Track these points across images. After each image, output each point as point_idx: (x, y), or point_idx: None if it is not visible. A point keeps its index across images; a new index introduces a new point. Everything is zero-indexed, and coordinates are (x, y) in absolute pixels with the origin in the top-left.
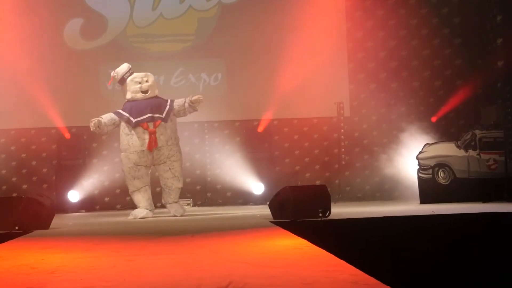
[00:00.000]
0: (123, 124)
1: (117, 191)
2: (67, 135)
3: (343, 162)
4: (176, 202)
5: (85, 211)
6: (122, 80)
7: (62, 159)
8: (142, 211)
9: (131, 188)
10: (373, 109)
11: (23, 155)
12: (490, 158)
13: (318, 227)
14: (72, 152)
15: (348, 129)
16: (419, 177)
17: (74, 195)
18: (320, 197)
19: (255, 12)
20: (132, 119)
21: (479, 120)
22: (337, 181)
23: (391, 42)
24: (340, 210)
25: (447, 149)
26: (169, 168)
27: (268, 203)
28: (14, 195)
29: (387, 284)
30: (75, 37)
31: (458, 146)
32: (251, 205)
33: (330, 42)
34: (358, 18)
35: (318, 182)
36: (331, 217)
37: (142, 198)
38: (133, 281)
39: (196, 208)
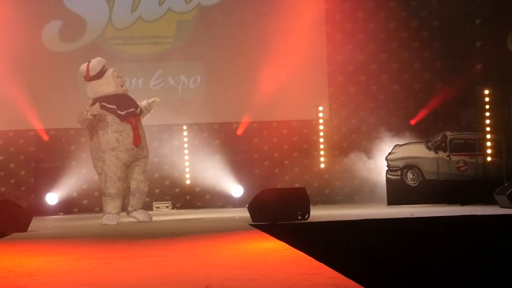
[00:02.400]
0: (109, 121)
1: (96, 193)
2: (46, 138)
3: (322, 165)
4: (141, 208)
5: (64, 214)
6: (101, 73)
7: (41, 162)
8: (114, 219)
9: (112, 191)
10: (352, 112)
11: (1, 157)
12: (460, 160)
13: (297, 230)
14: (51, 154)
15: (328, 132)
16: (387, 178)
17: (52, 198)
18: (299, 200)
19: (234, 15)
20: (120, 112)
21: (458, 123)
22: (316, 184)
23: (371, 45)
24: (319, 213)
25: (417, 151)
26: (143, 171)
27: (247, 205)
28: None
29: (365, 286)
30: (54, 39)
31: (428, 148)
32: (230, 207)
33: (310, 44)
34: (337, 21)
35: (297, 185)
36: (310, 220)
37: (118, 205)
38: (111, 284)
39: (175, 211)
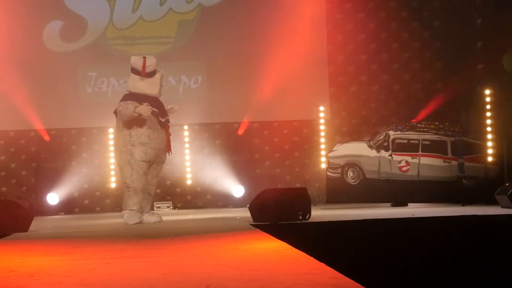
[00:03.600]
0: (147, 117)
1: (97, 193)
2: (47, 138)
3: (323, 165)
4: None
5: (64, 214)
6: (153, 73)
7: (41, 162)
8: (135, 218)
9: (137, 184)
10: (353, 112)
11: (2, 158)
12: (402, 160)
13: (298, 230)
14: (52, 154)
15: (329, 132)
16: (327, 176)
17: (53, 198)
18: (300, 200)
19: (235, 14)
20: (161, 118)
21: (459, 123)
22: (317, 184)
23: (372, 45)
24: (320, 213)
25: (359, 149)
26: (157, 175)
27: (248, 205)
28: None
29: (366, 287)
30: (55, 39)
31: (370, 146)
32: (231, 207)
33: (311, 44)
34: (338, 21)
35: (298, 185)
36: (311, 220)
37: (140, 200)
38: (112, 284)
39: (176, 211)
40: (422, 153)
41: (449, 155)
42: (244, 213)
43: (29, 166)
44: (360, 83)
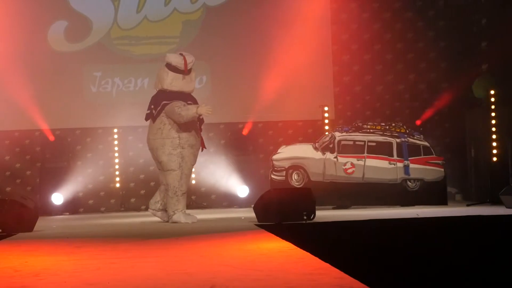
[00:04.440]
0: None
1: (101, 193)
2: (51, 138)
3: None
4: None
5: (69, 214)
6: (190, 70)
7: (46, 162)
8: (193, 217)
9: (184, 188)
10: (358, 112)
11: (7, 158)
12: (347, 162)
13: (303, 230)
14: (56, 154)
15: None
16: (271, 179)
17: (58, 198)
18: (305, 200)
19: (240, 14)
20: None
21: (464, 123)
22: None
23: (376, 45)
24: (324, 213)
25: (303, 151)
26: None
27: (252, 206)
28: None
29: (371, 287)
30: (59, 39)
31: (315, 148)
32: (235, 207)
33: (315, 44)
34: (343, 21)
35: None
36: (315, 220)
37: (185, 203)
38: (116, 283)
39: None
40: (368, 154)
41: (395, 157)
42: (249, 213)
43: (34, 166)
44: (365, 83)
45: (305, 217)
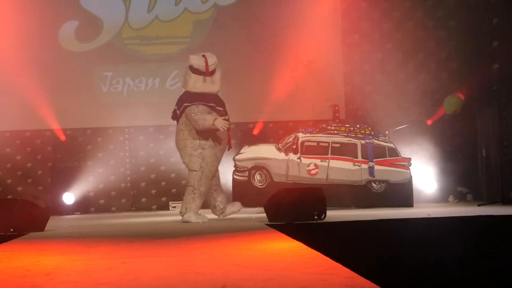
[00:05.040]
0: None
1: (112, 193)
2: (63, 137)
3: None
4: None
5: (80, 213)
6: (214, 71)
7: (57, 161)
8: (204, 217)
9: (203, 189)
10: (368, 112)
11: (18, 157)
12: (311, 163)
13: (314, 230)
14: (67, 154)
15: None
16: (234, 179)
17: (69, 197)
18: (316, 200)
19: (250, 14)
20: (224, 116)
21: (475, 123)
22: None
23: (387, 44)
24: (335, 213)
25: (267, 152)
26: (217, 174)
27: (263, 205)
28: (9, 197)
29: (382, 287)
30: (70, 39)
31: (278, 149)
32: (246, 207)
33: (326, 44)
34: (353, 21)
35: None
36: (326, 220)
37: (201, 204)
38: (127, 283)
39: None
40: (332, 156)
41: (359, 158)
42: (260, 213)
43: (45, 166)
44: (376, 82)
45: (315, 217)
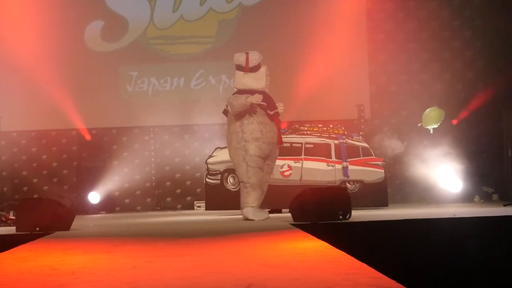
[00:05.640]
0: (256, 111)
1: (138, 192)
2: (88, 137)
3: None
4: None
5: (105, 213)
6: (257, 67)
7: (83, 161)
8: (263, 214)
9: (254, 180)
10: (394, 112)
11: (44, 157)
12: (284, 164)
13: (339, 230)
14: (93, 153)
15: (369, 132)
16: (206, 183)
17: (94, 197)
18: (341, 200)
19: (275, 14)
20: (269, 111)
21: (501, 123)
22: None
23: (412, 44)
24: (360, 213)
25: None
26: (270, 171)
27: (288, 205)
28: (35, 196)
29: (408, 287)
30: (96, 39)
31: None
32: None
33: (351, 44)
34: (379, 20)
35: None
36: (351, 219)
37: (258, 196)
38: (153, 283)
39: (213, 211)
40: (305, 156)
41: (333, 159)
42: (285, 212)
43: (71, 165)
44: (401, 82)
45: (340, 217)
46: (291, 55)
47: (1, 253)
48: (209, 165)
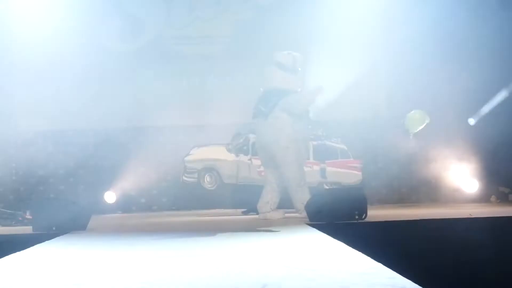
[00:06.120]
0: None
1: (154, 192)
2: (104, 136)
3: (380, 165)
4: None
5: (122, 212)
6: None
7: (99, 160)
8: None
9: (305, 180)
10: (411, 111)
11: (60, 156)
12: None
13: (355, 230)
14: (109, 153)
15: (385, 131)
16: (183, 181)
17: (110, 196)
18: (357, 200)
19: (292, 13)
20: None
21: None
22: (373, 184)
23: (429, 43)
24: (376, 213)
25: (216, 153)
26: None
27: (304, 205)
28: (51, 196)
29: (424, 287)
30: (112, 38)
31: (229, 150)
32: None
33: (370, 42)
34: (399, 18)
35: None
36: (367, 219)
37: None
38: (170, 281)
39: (233, 210)
40: None
41: (311, 160)
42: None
43: (87, 165)
44: (418, 81)
45: (356, 217)
46: (307, 55)
47: (18, 252)
48: (186, 163)
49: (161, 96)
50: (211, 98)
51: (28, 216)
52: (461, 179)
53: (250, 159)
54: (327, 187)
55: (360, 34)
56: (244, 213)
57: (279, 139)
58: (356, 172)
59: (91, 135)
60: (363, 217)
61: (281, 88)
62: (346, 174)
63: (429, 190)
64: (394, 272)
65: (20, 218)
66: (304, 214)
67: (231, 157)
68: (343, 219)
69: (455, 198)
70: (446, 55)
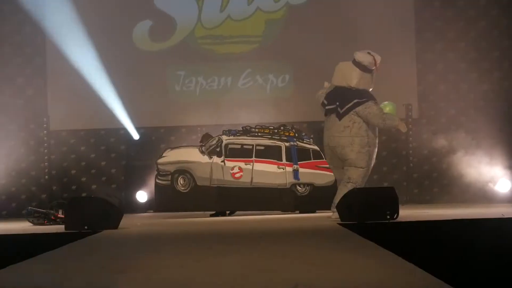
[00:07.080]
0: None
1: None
2: (136, 136)
3: (411, 164)
4: None
5: (153, 212)
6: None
7: (131, 160)
8: None
9: (363, 186)
10: (441, 111)
11: (92, 156)
12: (235, 166)
13: (386, 230)
14: (141, 152)
15: (416, 131)
16: (156, 184)
17: (142, 196)
18: (388, 200)
19: (322, 13)
20: None
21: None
22: (405, 183)
23: (461, 43)
24: (408, 213)
25: (190, 155)
26: None
27: (335, 205)
28: (84, 195)
29: (456, 287)
30: (144, 38)
31: (202, 152)
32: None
33: (399, 42)
34: (427, 19)
35: (385, 184)
36: (398, 219)
37: None
38: (199, 281)
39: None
40: (256, 159)
41: (284, 161)
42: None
43: (119, 164)
44: (449, 81)
45: (388, 217)
46: (338, 54)
47: (51, 251)
48: (159, 166)
49: (193, 96)
50: (243, 97)
51: (60, 215)
52: (494, 179)
53: (223, 161)
54: (300, 189)
55: (391, 32)
56: (212, 216)
57: (353, 142)
58: (329, 173)
59: (123, 134)
60: (395, 216)
61: (359, 87)
62: (319, 175)
63: (461, 190)
64: (427, 273)
65: (52, 217)
66: (336, 214)
67: (204, 159)
68: (375, 219)
69: (488, 198)
70: (478, 54)
